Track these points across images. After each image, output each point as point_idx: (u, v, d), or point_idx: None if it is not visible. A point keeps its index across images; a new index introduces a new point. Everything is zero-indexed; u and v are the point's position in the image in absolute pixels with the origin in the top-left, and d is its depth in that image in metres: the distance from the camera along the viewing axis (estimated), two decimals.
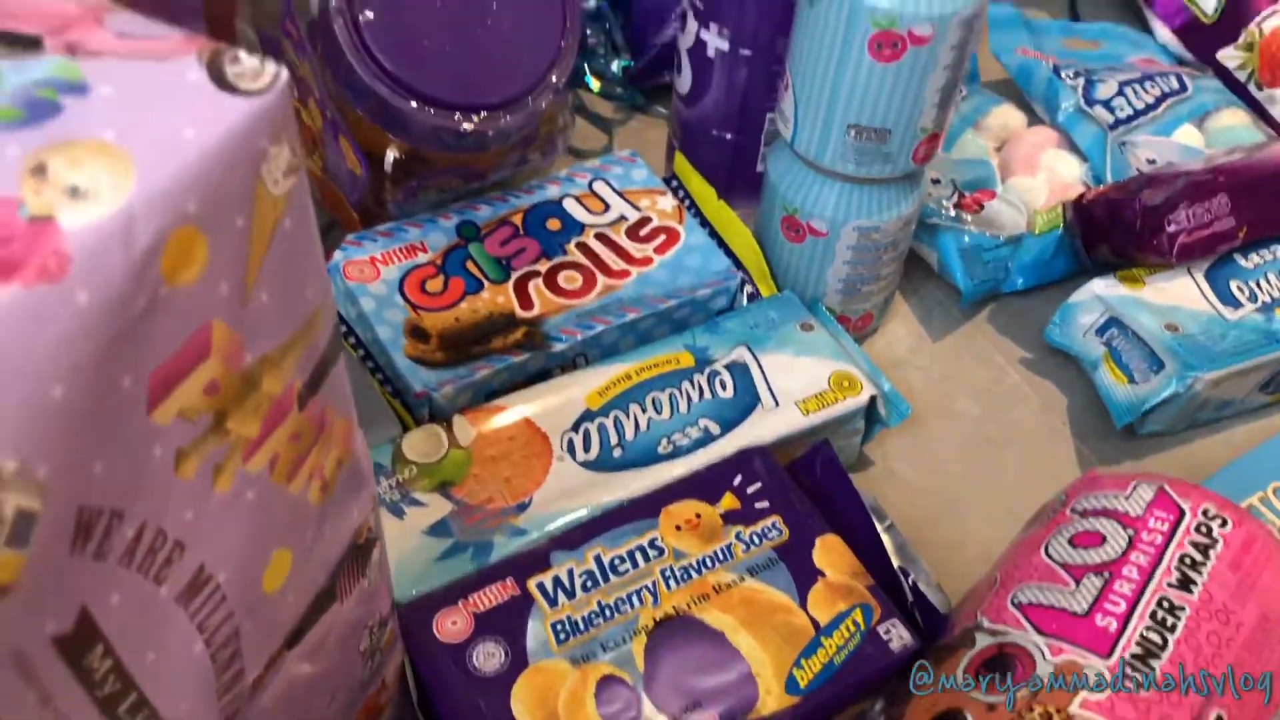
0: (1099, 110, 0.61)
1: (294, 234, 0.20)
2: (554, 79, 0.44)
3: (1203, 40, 0.69)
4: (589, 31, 0.68)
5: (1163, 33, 0.71)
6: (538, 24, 0.44)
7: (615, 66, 0.67)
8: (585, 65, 0.68)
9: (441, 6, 0.42)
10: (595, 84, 0.67)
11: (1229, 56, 0.67)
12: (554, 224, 0.49)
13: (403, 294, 0.45)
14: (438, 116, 0.42)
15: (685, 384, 0.44)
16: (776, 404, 0.43)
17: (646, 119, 0.66)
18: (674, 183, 0.53)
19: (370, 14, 0.41)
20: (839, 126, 0.44)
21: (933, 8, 0.40)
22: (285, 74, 0.19)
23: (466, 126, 0.42)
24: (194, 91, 0.18)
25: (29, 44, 0.19)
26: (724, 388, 0.44)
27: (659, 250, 0.48)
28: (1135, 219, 0.50)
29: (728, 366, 0.44)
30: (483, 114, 0.43)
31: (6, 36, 0.19)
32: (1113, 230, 0.51)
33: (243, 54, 0.19)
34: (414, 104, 0.41)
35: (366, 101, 0.43)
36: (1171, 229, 0.49)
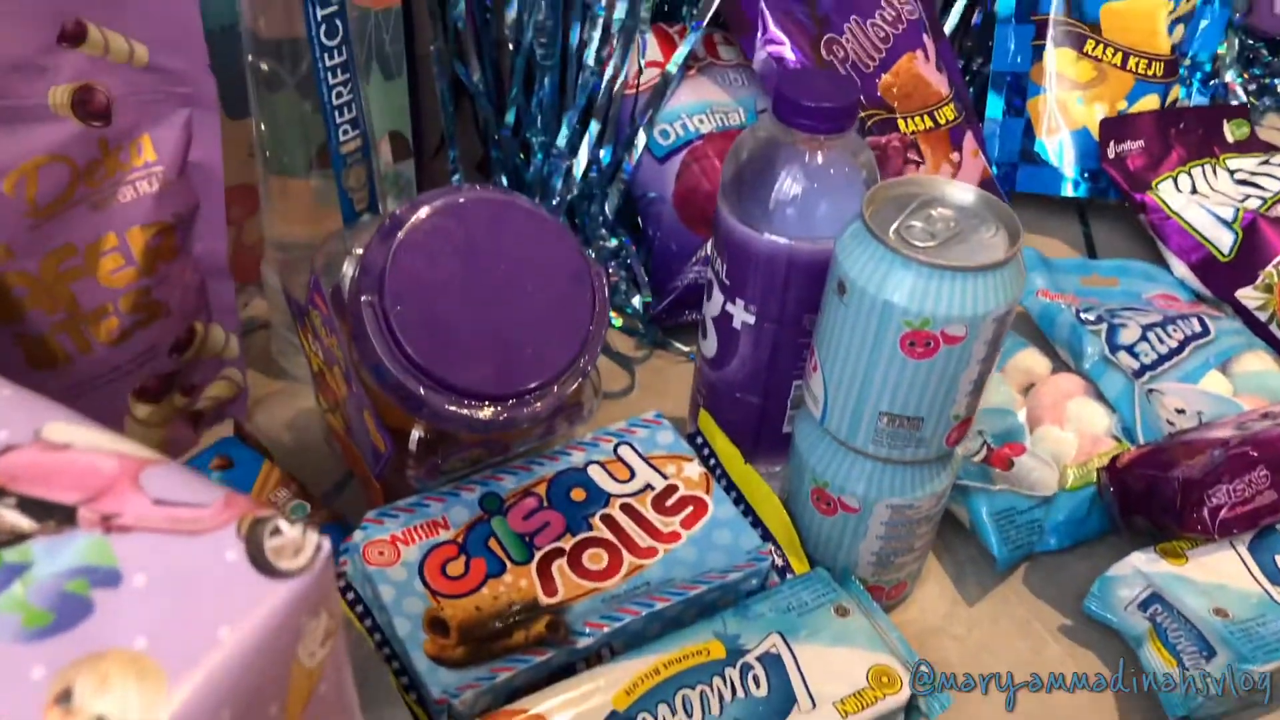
0: (1123, 357, 0.61)
1: (328, 697, 0.19)
2: (583, 363, 0.43)
3: (1220, 277, 0.69)
4: (610, 267, 0.69)
5: (1179, 268, 0.71)
6: (567, 308, 0.44)
7: (637, 302, 0.68)
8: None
9: (472, 294, 0.42)
10: (617, 320, 0.68)
11: (1249, 297, 0.68)
12: (579, 494, 0.48)
13: (423, 578, 0.44)
14: (466, 408, 0.41)
15: (716, 680, 0.42)
16: (814, 704, 0.41)
17: (668, 356, 0.66)
18: (699, 439, 0.52)
19: (400, 305, 0.41)
20: (870, 413, 0.43)
21: (965, 309, 0.40)
22: (327, 547, 0.18)
23: (495, 417, 0.41)
24: (232, 575, 0.17)
25: (63, 517, 0.18)
26: (757, 684, 0.42)
27: (686, 523, 0.47)
28: (1174, 496, 0.49)
29: (760, 659, 0.43)
30: (511, 402, 0.42)
31: (40, 507, 0.18)
32: (1150, 503, 0.50)
33: (283, 524, 0.18)
34: (441, 396, 0.41)
35: (392, 387, 0.42)
36: (1212, 504, 0.48)
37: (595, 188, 0.69)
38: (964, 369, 0.41)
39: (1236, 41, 0.94)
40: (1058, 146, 0.77)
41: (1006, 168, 0.78)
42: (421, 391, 0.41)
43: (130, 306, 0.49)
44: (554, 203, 0.69)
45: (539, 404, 0.43)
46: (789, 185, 0.45)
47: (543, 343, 0.43)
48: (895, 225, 0.41)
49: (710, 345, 0.52)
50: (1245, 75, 0.95)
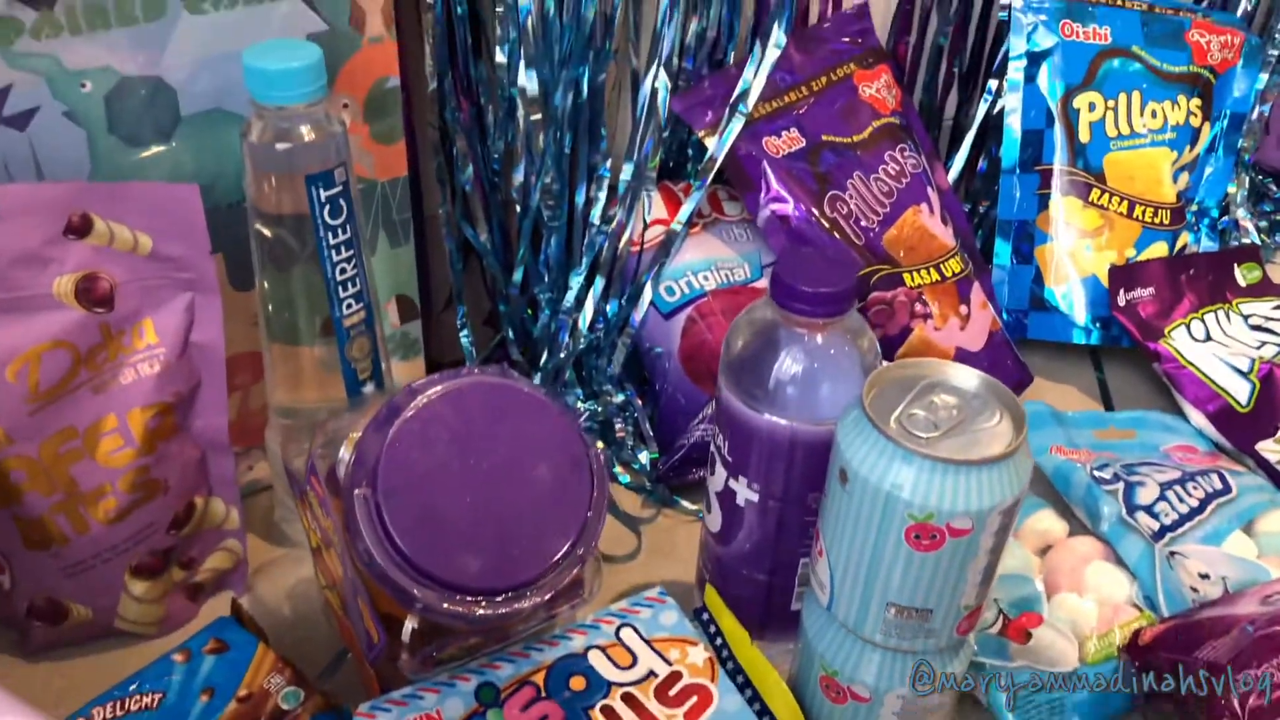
0: (1142, 518, 0.59)
1: None
2: (581, 552, 0.42)
3: (1239, 428, 0.68)
4: (616, 423, 0.68)
5: (1197, 418, 0.70)
6: (566, 494, 0.43)
7: (644, 458, 0.67)
8: (613, 457, 0.67)
9: (469, 484, 0.42)
10: (624, 475, 0.67)
11: (1270, 450, 0.66)
12: (578, 683, 0.46)
13: None
14: (461, 604, 0.40)
15: None
16: None
17: (675, 516, 0.65)
18: (705, 616, 0.51)
19: (394, 499, 0.40)
20: (878, 603, 0.42)
21: (970, 502, 0.39)
22: None
23: (489, 612, 0.40)
24: None
25: None
26: None
27: (691, 715, 0.45)
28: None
29: None
30: (508, 595, 0.41)
31: None
32: (1175, 687, 0.48)
33: None
34: (435, 592, 0.40)
35: (385, 581, 0.41)
36: (1242, 690, 0.46)
37: (602, 342, 0.69)
38: (971, 560, 0.40)
39: (1246, 178, 0.94)
40: (1068, 294, 0.77)
41: (1017, 315, 0.77)
42: (415, 590, 0.40)
43: (129, 486, 0.49)
44: (561, 356, 0.69)
45: (537, 596, 0.41)
46: (789, 366, 0.45)
47: (540, 532, 0.42)
48: (897, 413, 0.40)
49: (715, 520, 0.51)
50: (1255, 212, 0.95)
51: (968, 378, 0.42)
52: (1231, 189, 0.93)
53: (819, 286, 0.43)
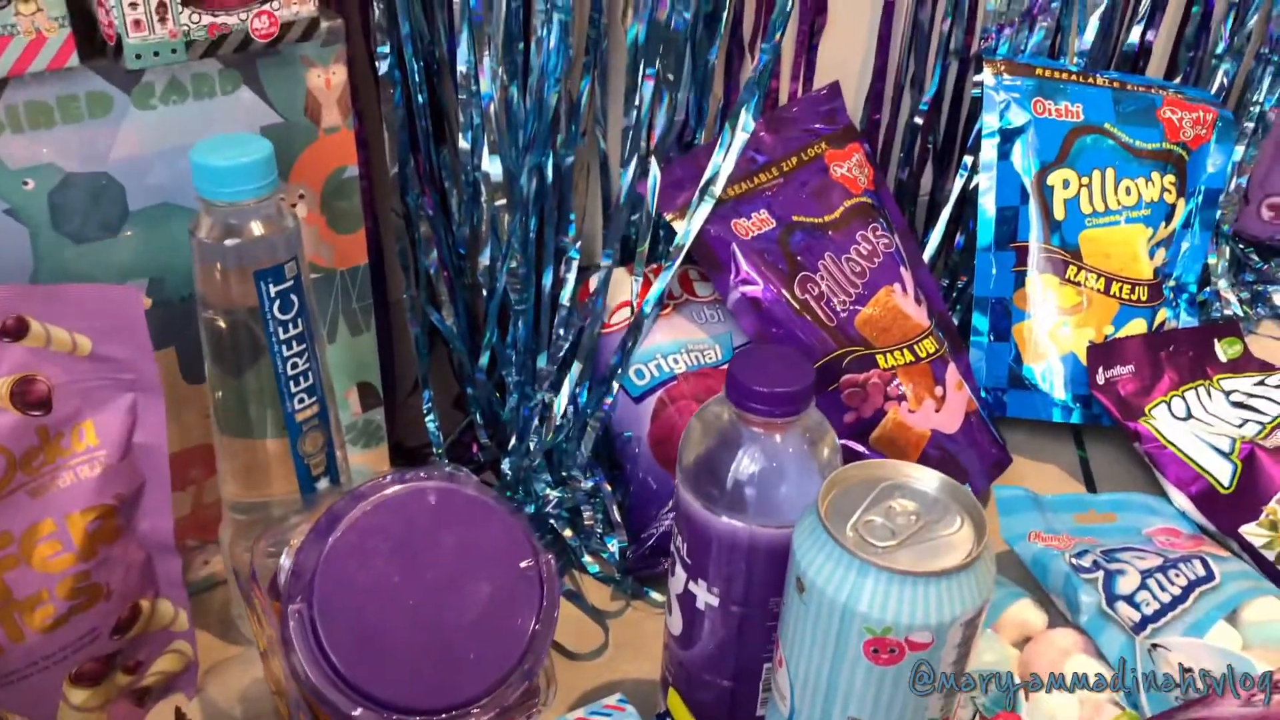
0: (1123, 608, 0.57)
1: None
2: (527, 668, 0.41)
3: (1221, 510, 0.66)
4: (585, 511, 0.66)
5: (1180, 499, 0.69)
6: (512, 605, 0.41)
7: (613, 547, 0.65)
8: (582, 546, 0.66)
9: (409, 598, 0.40)
10: (593, 565, 0.65)
11: (1253, 534, 0.64)
12: None
13: None
14: None
15: None
16: None
17: (645, 608, 0.63)
18: None
19: (330, 615, 0.39)
20: (839, 717, 0.40)
21: (929, 615, 0.37)
22: None
23: None
24: None
25: None
26: None
27: None
28: None
29: None
30: (449, 714, 0.39)
31: None
32: None
33: None
34: (373, 713, 0.38)
35: (320, 697, 0.39)
36: None
37: (571, 427, 0.68)
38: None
39: (1227, 249, 0.94)
40: (1047, 372, 0.75)
41: (996, 393, 0.76)
42: (353, 711, 0.38)
43: (68, 592, 0.47)
44: (533, 445, 0.68)
45: (482, 714, 0.40)
46: (746, 467, 0.43)
47: (484, 647, 0.40)
48: (854, 520, 0.39)
49: (676, 623, 0.49)
50: (1237, 283, 0.94)
51: (928, 480, 0.41)
52: (1213, 260, 0.93)
53: (775, 386, 0.42)
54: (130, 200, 0.49)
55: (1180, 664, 0.55)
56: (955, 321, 0.81)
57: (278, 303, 0.49)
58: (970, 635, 0.39)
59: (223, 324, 0.50)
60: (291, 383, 0.51)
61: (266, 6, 0.48)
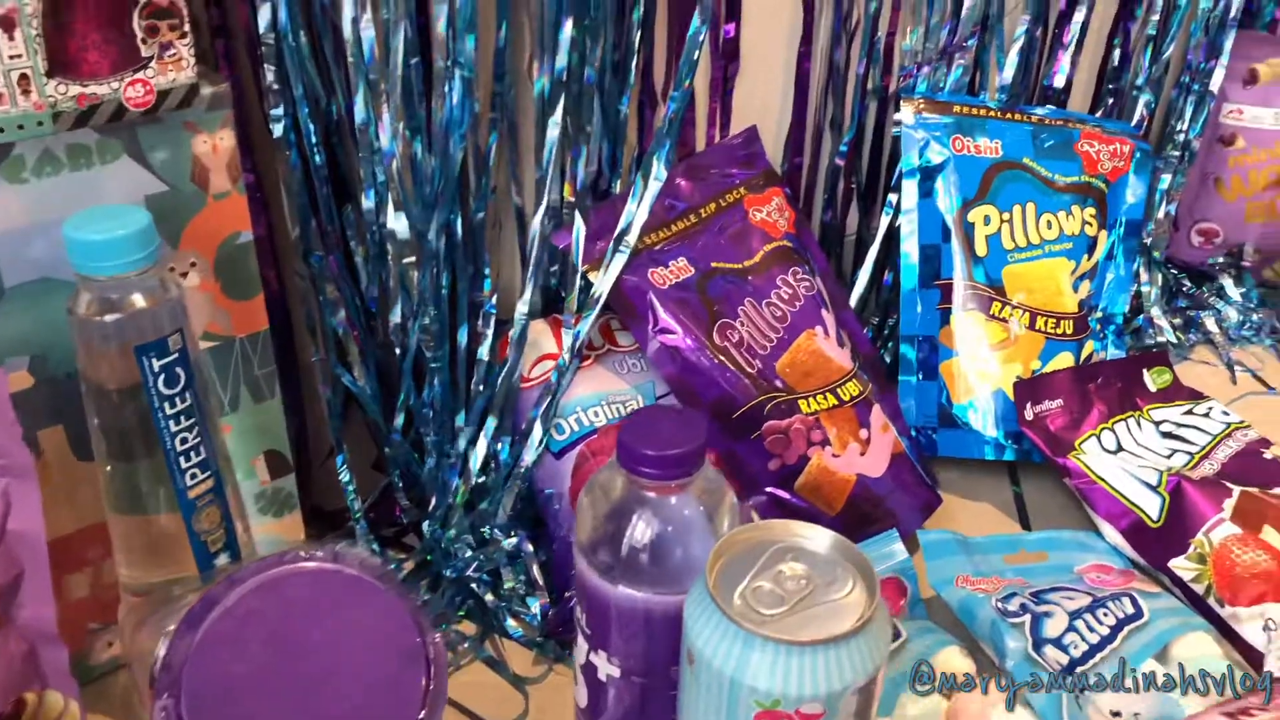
0: (1050, 652, 0.56)
1: None
2: None
3: (1151, 544, 0.66)
4: (504, 573, 0.65)
5: (1111, 534, 0.68)
6: (397, 693, 0.40)
7: (535, 609, 0.64)
8: (504, 609, 0.64)
9: (285, 690, 0.38)
10: (516, 628, 0.63)
11: (1182, 568, 0.64)
12: None
13: None
14: None
15: None
16: None
17: (567, 672, 0.61)
18: None
19: (199, 710, 0.37)
20: None
21: (819, 686, 0.36)
22: None
23: None
24: None
25: None
26: None
27: None
28: None
29: None
30: None
31: None
32: None
33: None
34: None
35: None
36: None
37: (492, 485, 0.66)
38: None
39: (1160, 276, 0.94)
40: (976, 410, 0.75)
41: (926, 433, 0.76)
42: None
43: None
44: (450, 502, 0.66)
45: None
46: (641, 534, 0.42)
47: None
48: (742, 587, 0.38)
49: (582, 695, 0.47)
50: (1170, 309, 0.94)
51: (819, 540, 0.40)
52: (1146, 289, 0.93)
53: (665, 449, 0.41)
54: (5, 276, 0.48)
55: (1110, 709, 0.54)
56: (888, 359, 0.81)
57: (162, 377, 0.47)
58: (866, 702, 0.37)
59: (107, 401, 0.48)
60: (182, 459, 0.49)
61: (141, 75, 0.47)
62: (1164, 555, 0.65)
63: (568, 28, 0.61)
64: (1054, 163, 0.76)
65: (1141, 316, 0.92)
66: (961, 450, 0.75)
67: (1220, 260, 0.97)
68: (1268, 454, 0.70)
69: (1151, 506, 0.67)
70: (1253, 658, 0.58)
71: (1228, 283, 0.96)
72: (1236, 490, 0.65)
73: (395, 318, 0.64)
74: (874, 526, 0.66)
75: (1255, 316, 0.94)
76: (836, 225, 0.82)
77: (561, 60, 0.62)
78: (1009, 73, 0.80)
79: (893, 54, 0.78)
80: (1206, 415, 0.74)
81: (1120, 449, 0.72)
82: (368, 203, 0.60)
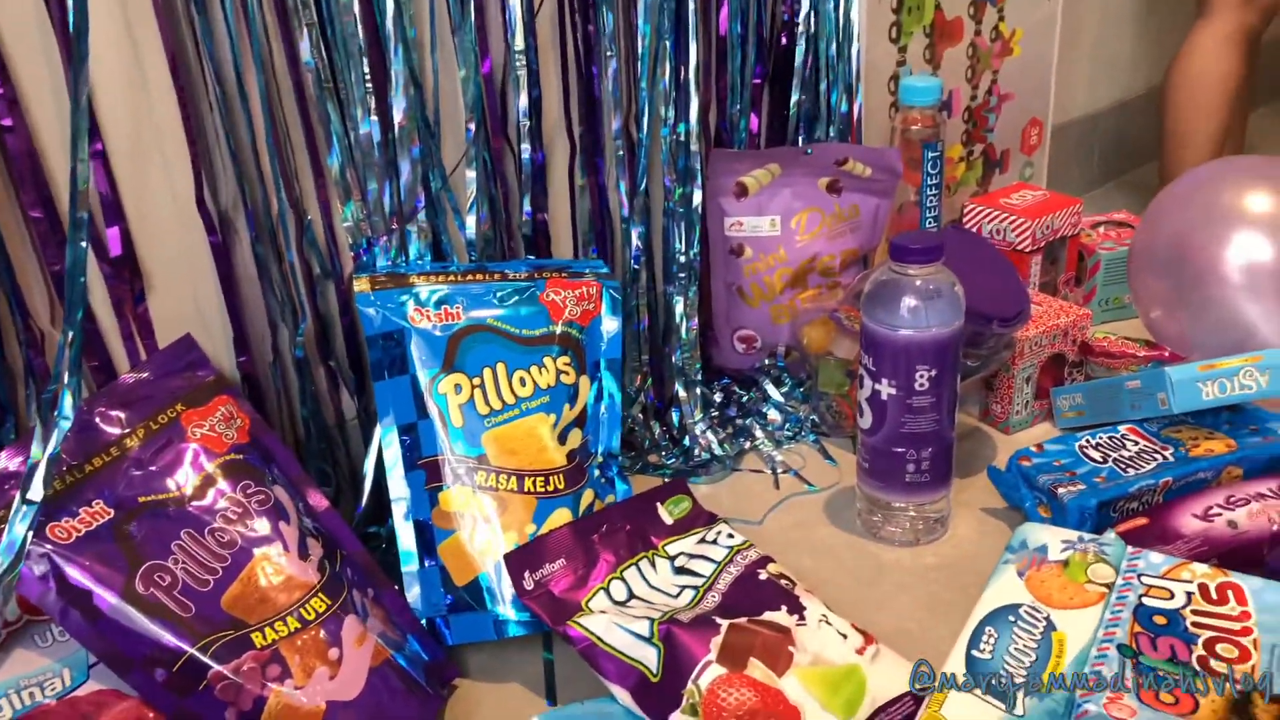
0: None
1: None
2: None
3: (654, 701, 0.63)
4: None
5: (623, 696, 0.64)
6: None
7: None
8: None
9: None
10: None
11: None
12: None
13: None
14: None
15: None
16: None
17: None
18: None
19: None
20: None
21: None
22: None
23: None
24: None
25: None
26: None
27: None
28: None
29: None
30: None
31: None
32: None
33: None
34: None
35: None
36: None
37: None
38: None
39: (698, 392, 0.95)
40: (485, 588, 0.71)
41: (439, 622, 0.70)
42: None
43: None
44: None
45: None
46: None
47: None
48: None
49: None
50: (713, 422, 0.95)
51: None
52: (687, 408, 0.93)
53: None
54: None
55: None
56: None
57: None
58: None
59: None
60: None
61: None
62: (663, 711, 0.62)
63: None
64: (520, 317, 0.74)
65: (687, 437, 0.92)
66: (476, 634, 0.70)
67: (766, 363, 1.00)
68: (763, 574, 0.69)
69: (650, 660, 0.64)
70: None
71: (770, 386, 0.98)
72: (724, 625, 0.64)
73: None
74: None
75: (799, 414, 0.96)
76: (320, 416, 0.77)
77: None
78: (471, 231, 0.79)
79: (335, 236, 0.75)
80: (714, 542, 0.73)
81: (632, 596, 0.70)
82: None
